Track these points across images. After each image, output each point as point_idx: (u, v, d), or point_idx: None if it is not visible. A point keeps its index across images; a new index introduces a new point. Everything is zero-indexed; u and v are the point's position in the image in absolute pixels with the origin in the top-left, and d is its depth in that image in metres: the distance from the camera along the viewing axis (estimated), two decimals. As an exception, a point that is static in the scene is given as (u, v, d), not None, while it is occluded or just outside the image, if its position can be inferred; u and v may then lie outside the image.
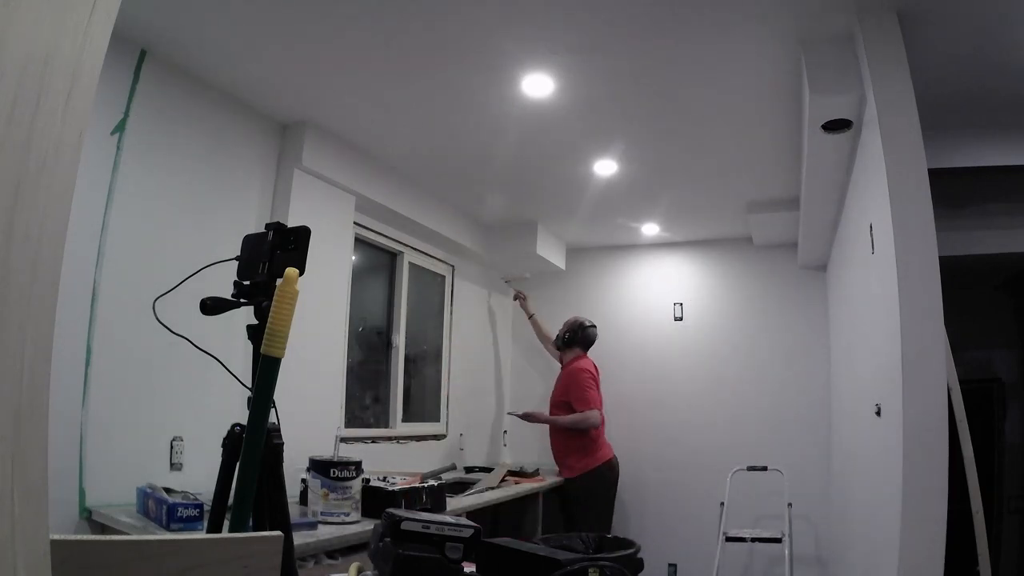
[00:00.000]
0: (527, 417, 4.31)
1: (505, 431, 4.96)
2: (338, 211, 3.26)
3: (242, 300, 1.44)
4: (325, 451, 2.53)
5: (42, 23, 0.65)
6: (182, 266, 1.62)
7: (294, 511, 2.30)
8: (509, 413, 4.54)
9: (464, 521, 1.03)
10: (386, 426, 3.90)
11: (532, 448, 4.48)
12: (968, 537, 2.26)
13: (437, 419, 4.42)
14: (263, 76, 2.64)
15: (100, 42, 0.71)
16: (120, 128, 2.33)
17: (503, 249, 4.62)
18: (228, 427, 1.45)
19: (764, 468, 4.13)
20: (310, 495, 2.43)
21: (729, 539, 3.90)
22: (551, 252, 4.74)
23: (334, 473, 2.37)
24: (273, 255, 1.42)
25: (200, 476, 2.36)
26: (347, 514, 2.37)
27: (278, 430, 1.44)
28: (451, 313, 4.61)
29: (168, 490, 2.16)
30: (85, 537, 0.83)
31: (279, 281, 1.24)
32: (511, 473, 4.00)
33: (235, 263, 1.49)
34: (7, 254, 0.61)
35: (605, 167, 3.51)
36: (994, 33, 2.21)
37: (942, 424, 1.77)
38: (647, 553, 2.44)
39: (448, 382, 4.52)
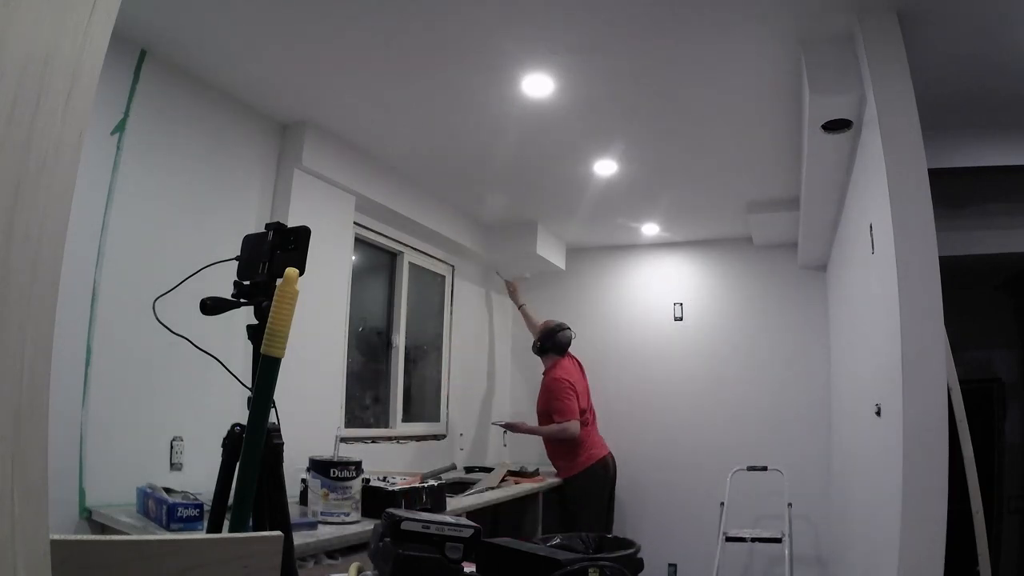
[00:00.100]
0: (510, 427, 4.29)
1: (505, 432, 4.96)
2: (338, 211, 3.26)
3: (242, 300, 1.44)
4: (325, 451, 2.53)
5: (42, 23, 0.65)
6: (182, 266, 1.63)
7: (294, 511, 2.30)
8: (493, 423, 4.51)
9: (464, 521, 1.03)
10: (386, 426, 3.90)
11: (532, 448, 4.48)
12: (968, 537, 2.26)
13: (437, 419, 4.42)
14: (263, 76, 2.64)
15: (100, 42, 0.71)
16: (120, 128, 2.33)
17: (503, 249, 4.62)
18: (228, 427, 1.45)
19: (764, 468, 4.13)
20: (310, 495, 2.43)
21: (729, 539, 3.90)
22: (551, 252, 4.74)
23: (334, 473, 2.37)
24: (273, 255, 1.42)
25: (200, 476, 2.36)
26: (347, 514, 2.37)
27: (278, 430, 1.45)
28: (451, 313, 4.61)
29: (168, 490, 2.16)
30: (85, 537, 0.83)
31: (279, 281, 1.24)
32: (511, 473, 4.00)
33: (235, 263, 1.49)
34: (7, 254, 0.61)
35: (605, 167, 3.51)
36: (994, 33, 2.21)
37: (942, 424, 1.77)
38: (647, 553, 2.44)
39: (448, 382, 4.52)
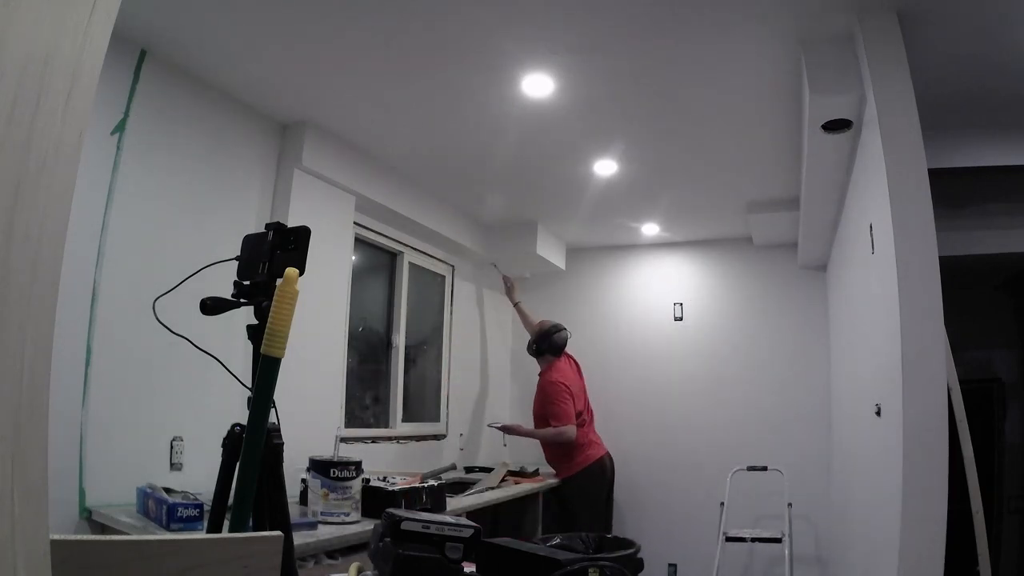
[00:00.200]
0: (506, 430, 4.25)
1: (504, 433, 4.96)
2: (338, 211, 3.26)
3: (242, 300, 1.44)
4: (325, 451, 2.53)
5: (42, 23, 0.65)
6: (182, 266, 1.63)
7: (294, 511, 2.30)
8: (489, 425, 4.47)
9: (464, 521, 1.03)
10: (386, 426, 3.90)
11: (532, 448, 4.48)
12: (968, 537, 2.26)
13: (437, 419, 4.42)
14: (263, 76, 2.64)
15: (100, 42, 0.71)
16: (120, 128, 2.33)
17: (503, 249, 4.62)
18: (228, 427, 1.45)
19: (764, 468, 4.13)
20: (310, 495, 2.43)
21: (729, 539, 3.90)
22: (551, 252, 4.74)
23: (334, 473, 2.37)
24: (273, 255, 1.42)
25: (200, 476, 2.36)
26: (347, 514, 2.37)
27: (278, 430, 1.45)
28: (451, 313, 4.61)
29: (168, 490, 2.16)
30: (85, 537, 0.83)
31: (279, 281, 1.24)
32: (511, 473, 4.00)
33: (235, 263, 1.49)
34: (7, 254, 0.61)
35: (605, 167, 3.51)
36: (994, 33, 2.21)
37: (942, 424, 1.77)
38: (647, 553, 2.44)
39: (448, 382, 4.52)
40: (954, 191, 2.75)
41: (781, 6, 2.14)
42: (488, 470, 4.09)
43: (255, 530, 1.29)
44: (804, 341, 4.49)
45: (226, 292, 1.45)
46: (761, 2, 2.12)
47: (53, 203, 0.66)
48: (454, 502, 3.08)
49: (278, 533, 0.90)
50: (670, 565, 4.56)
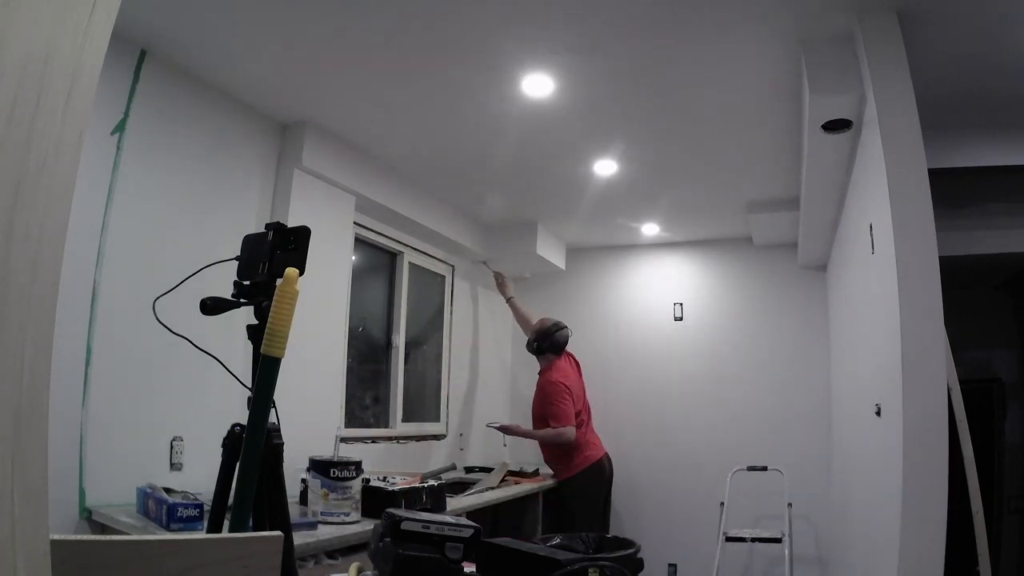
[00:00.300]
0: (504, 430, 4.20)
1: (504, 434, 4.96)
2: (338, 211, 3.26)
3: (242, 300, 1.44)
4: (325, 451, 2.53)
5: (42, 23, 0.65)
6: (182, 266, 1.63)
7: (294, 511, 2.30)
8: (488, 425, 4.42)
9: (464, 521, 1.03)
10: (386, 426, 3.90)
11: (532, 448, 4.48)
12: (968, 537, 2.26)
13: (437, 419, 4.42)
14: (263, 76, 2.64)
15: (100, 42, 0.71)
16: (120, 128, 2.33)
17: (503, 249, 4.62)
18: (228, 427, 1.45)
19: (764, 468, 4.13)
20: (310, 495, 2.43)
21: (729, 539, 3.90)
22: (551, 252, 4.74)
23: (334, 473, 2.37)
24: (273, 255, 1.42)
25: (200, 476, 2.36)
26: (347, 514, 2.37)
27: (278, 430, 1.45)
28: (451, 313, 4.61)
29: (168, 490, 2.16)
30: (85, 537, 0.83)
31: (279, 281, 1.24)
32: (511, 473, 4.00)
33: (235, 263, 1.49)
34: (7, 254, 0.61)
35: (605, 167, 3.51)
36: (994, 33, 2.21)
37: (942, 424, 1.77)
38: (647, 553, 2.44)
39: (448, 382, 4.52)
40: (954, 191, 2.75)
41: (781, 6, 2.14)
42: (488, 470, 4.09)
43: (255, 530, 1.29)
44: (804, 341, 4.49)
45: (226, 292, 1.45)
46: (761, 2, 2.12)
47: (53, 203, 0.66)
48: (454, 502, 3.08)
49: (278, 533, 0.90)
50: (670, 565, 4.56)
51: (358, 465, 2.45)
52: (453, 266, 4.64)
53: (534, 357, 4.34)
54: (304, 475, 2.52)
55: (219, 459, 1.44)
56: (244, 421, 1.26)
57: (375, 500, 2.48)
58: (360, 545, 2.21)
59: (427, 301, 4.46)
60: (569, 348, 4.32)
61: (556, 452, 4.03)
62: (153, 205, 2.45)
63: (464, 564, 1.00)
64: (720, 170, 3.55)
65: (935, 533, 1.72)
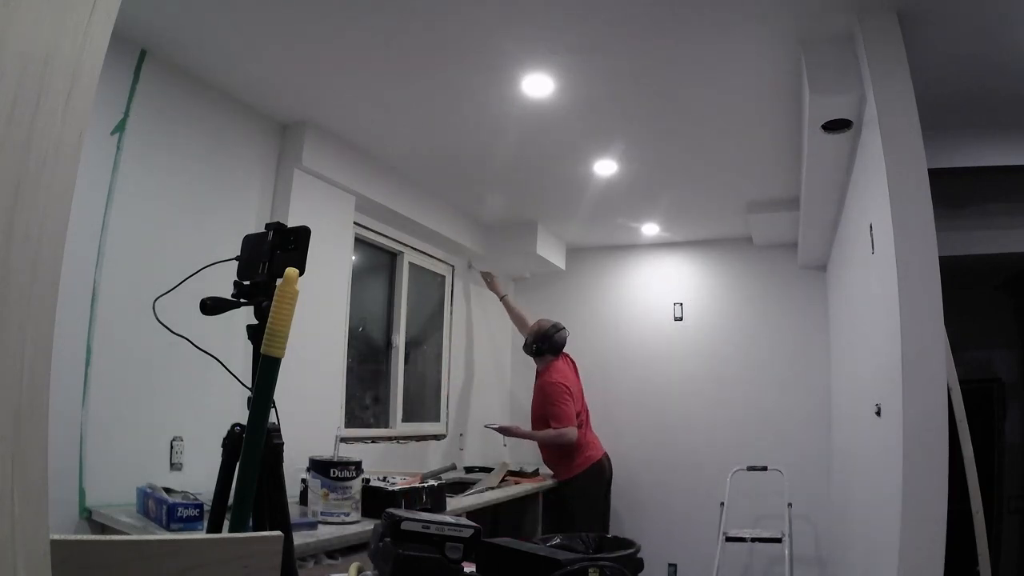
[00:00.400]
0: (504, 431, 4.18)
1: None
2: (338, 211, 3.26)
3: (242, 300, 1.44)
4: (325, 451, 2.53)
5: (42, 23, 0.65)
6: (182, 266, 1.62)
7: (294, 511, 2.30)
8: (486, 426, 4.39)
9: (464, 521, 1.03)
10: (386, 426, 3.90)
11: (532, 448, 4.48)
12: (968, 537, 2.26)
13: (437, 419, 4.42)
14: (263, 76, 2.64)
15: (100, 42, 0.71)
16: (120, 128, 2.33)
17: (503, 249, 4.62)
18: (228, 427, 1.45)
19: (764, 468, 4.13)
20: (310, 495, 2.43)
21: (729, 539, 3.90)
22: (551, 252, 4.74)
23: (334, 473, 2.37)
24: (273, 255, 1.42)
25: (200, 476, 2.36)
26: (347, 514, 2.37)
27: (278, 430, 1.44)
28: (451, 313, 4.61)
29: (168, 490, 2.16)
30: (85, 537, 0.83)
31: (279, 281, 1.24)
32: (511, 473, 4.00)
33: (235, 263, 1.49)
34: (7, 254, 0.61)
35: (605, 167, 3.51)
36: (994, 33, 2.21)
37: (942, 424, 1.77)
38: (647, 553, 2.45)
39: (448, 382, 4.52)
40: (954, 191, 2.75)
41: (781, 6, 2.14)
42: (488, 470, 4.09)
43: (255, 530, 1.29)
44: (804, 341, 4.49)
45: (226, 292, 1.45)
46: (761, 2, 2.12)
47: (53, 203, 0.66)
48: (454, 502, 3.08)
49: (278, 533, 0.90)
50: (670, 565, 4.56)
51: (358, 465, 2.45)
52: (453, 266, 4.64)
53: (531, 357, 4.32)
54: (304, 475, 2.52)
55: (219, 459, 1.44)
56: (244, 421, 1.26)
57: (375, 500, 2.48)
58: (360, 545, 2.21)
59: (427, 301, 4.46)
60: (568, 348, 4.31)
61: (556, 453, 4.02)
62: (153, 205, 2.45)
63: (464, 564, 1.00)
64: (720, 170, 3.55)
65: (935, 533, 1.72)
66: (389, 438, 3.82)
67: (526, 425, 4.24)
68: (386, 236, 3.91)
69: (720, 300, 4.80)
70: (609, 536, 2.57)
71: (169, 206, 2.51)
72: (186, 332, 1.50)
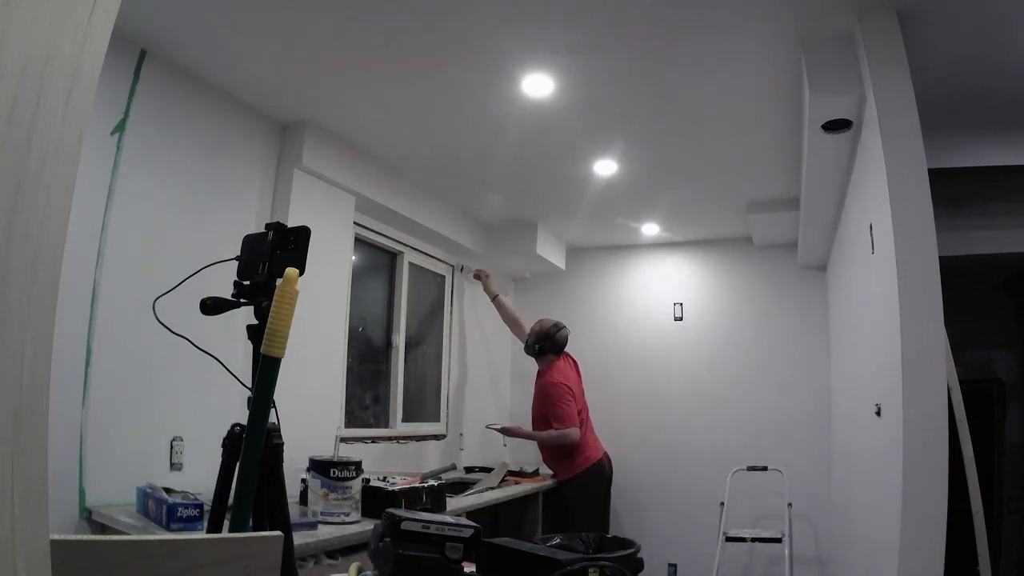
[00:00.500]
0: (506, 431, 4.15)
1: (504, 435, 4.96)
2: (338, 211, 3.26)
3: (242, 300, 1.44)
4: (325, 451, 2.53)
5: (42, 23, 0.65)
6: (182, 266, 1.63)
7: (294, 511, 2.30)
8: (488, 426, 4.34)
9: (464, 521, 1.03)
10: (386, 426, 3.90)
11: (532, 448, 4.48)
12: (968, 537, 2.26)
13: (437, 419, 4.42)
14: (263, 76, 2.64)
15: (100, 42, 0.71)
16: (120, 128, 2.33)
17: (503, 249, 4.61)
18: (228, 427, 1.45)
19: (764, 468, 4.13)
20: (310, 495, 2.43)
21: (729, 539, 3.90)
22: (551, 252, 4.74)
23: (334, 473, 2.37)
24: (273, 255, 1.42)
25: (200, 476, 2.36)
26: (347, 514, 2.37)
27: (278, 430, 1.45)
28: (451, 313, 4.61)
29: (168, 490, 2.16)
30: (85, 537, 0.83)
31: (279, 281, 1.24)
32: (511, 473, 4.00)
33: (235, 263, 1.49)
34: (7, 254, 0.61)
35: (605, 167, 3.51)
36: (994, 33, 2.21)
37: (942, 424, 1.77)
38: (647, 553, 2.45)
39: (448, 382, 4.52)
40: (954, 191, 2.75)
41: (781, 6, 2.14)
42: (488, 470, 4.09)
43: (255, 530, 1.29)
44: (804, 341, 4.49)
45: (226, 292, 1.45)
46: (761, 2, 2.12)
47: (53, 203, 0.66)
48: (454, 502, 3.08)
49: (278, 533, 0.90)
50: (670, 565, 4.56)
51: (358, 465, 2.45)
52: (453, 266, 4.64)
53: (532, 357, 4.31)
54: (304, 475, 2.52)
55: (219, 459, 1.44)
56: (244, 421, 1.26)
57: (375, 500, 2.48)
58: (360, 545, 2.21)
59: (427, 301, 4.46)
60: (568, 348, 4.31)
61: (557, 453, 4.01)
62: (153, 205, 2.45)
63: (464, 564, 1.00)
64: (720, 170, 3.55)
65: (935, 533, 1.72)
66: (389, 438, 3.82)
67: (527, 425, 4.24)
68: (386, 236, 3.90)
69: (720, 300, 4.80)
70: (609, 536, 2.57)
71: (169, 206, 2.51)
72: (186, 332, 1.50)
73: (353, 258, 3.52)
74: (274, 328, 1.17)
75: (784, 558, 3.78)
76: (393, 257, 4.10)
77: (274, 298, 1.19)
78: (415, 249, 4.20)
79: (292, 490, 2.03)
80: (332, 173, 3.13)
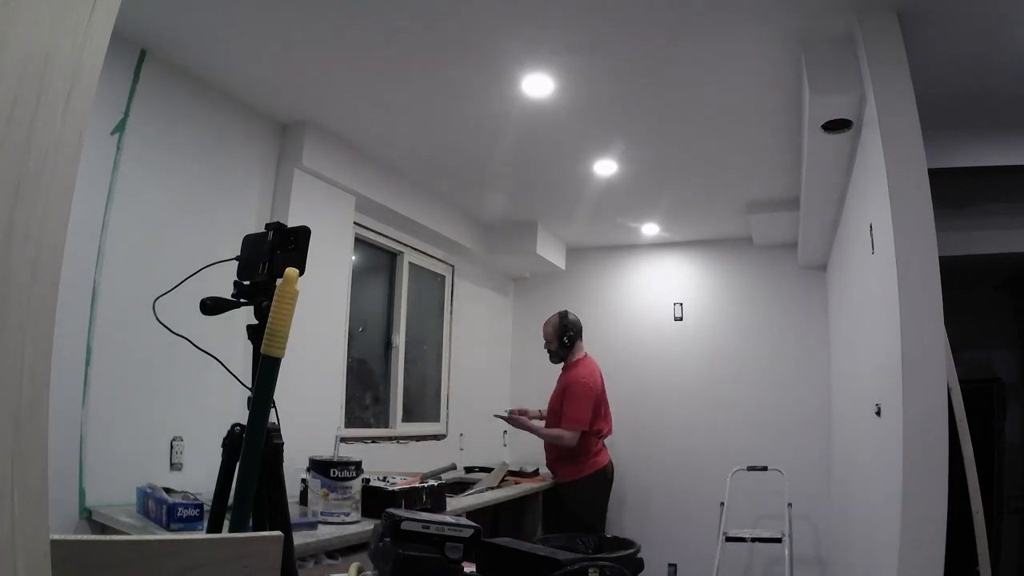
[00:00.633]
0: (512, 420, 3.99)
1: (505, 431, 4.96)
2: (338, 211, 3.26)
3: (242, 300, 1.44)
4: (325, 451, 2.53)
5: (42, 23, 0.65)
6: (182, 266, 1.62)
7: (294, 511, 2.30)
8: (495, 415, 4.16)
9: (464, 521, 1.03)
10: (386, 426, 3.90)
11: (532, 448, 4.47)
12: (968, 537, 2.26)
13: (437, 419, 4.42)
14: (263, 76, 2.64)
15: (100, 42, 0.71)
16: (120, 128, 2.33)
17: (503, 249, 4.62)
18: (228, 427, 1.45)
19: (764, 468, 4.13)
20: (310, 495, 2.43)
21: (729, 539, 3.90)
22: (551, 252, 4.74)
23: (334, 473, 2.37)
24: (273, 255, 1.42)
25: (200, 476, 2.36)
26: (347, 514, 2.37)
27: (278, 430, 1.44)
28: (451, 313, 4.61)
29: (168, 490, 2.16)
30: (85, 537, 0.83)
31: (279, 281, 1.24)
32: (511, 473, 4.00)
33: (235, 263, 1.49)
34: (7, 254, 0.61)
35: (605, 167, 3.51)
36: (994, 33, 2.21)
37: (942, 424, 1.77)
38: (647, 553, 2.45)
39: (448, 382, 4.52)
40: (954, 191, 2.75)
41: (781, 6, 2.14)
42: (488, 470, 4.08)
43: (255, 530, 1.29)
44: (804, 341, 4.49)
45: (226, 292, 1.45)
46: (761, 2, 2.12)
47: (53, 203, 0.66)
48: (454, 502, 3.08)
49: (278, 533, 0.90)
50: (670, 565, 4.56)
51: (358, 465, 2.45)
52: (453, 266, 4.64)
53: (537, 357, 4.15)
54: (304, 475, 2.52)
55: (219, 459, 1.44)
56: (244, 421, 1.26)
57: (375, 500, 2.48)
58: (360, 545, 2.21)
59: (427, 301, 4.46)
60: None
61: (560, 454, 3.87)
62: (153, 205, 2.45)
63: (464, 564, 1.00)
64: (720, 170, 3.55)
65: (935, 533, 1.72)
66: (389, 438, 3.82)
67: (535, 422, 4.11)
68: (386, 236, 3.90)
69: (720, 300, 4.80)
70: (609, 536, 2.57)
71: (169, 206, 2.51)
72: (186, 332, 1.50)
73: (353, 258, 3.52)
74: (274, 328, 1.17)
75: (784, 558, 3.78)
76: (393, 257, 4.10)
77: (274, 298, 1.18)
78: (415, 249, 4.20)
79: (292, 490, 2.03)
80: (332, 173, 3.13)
